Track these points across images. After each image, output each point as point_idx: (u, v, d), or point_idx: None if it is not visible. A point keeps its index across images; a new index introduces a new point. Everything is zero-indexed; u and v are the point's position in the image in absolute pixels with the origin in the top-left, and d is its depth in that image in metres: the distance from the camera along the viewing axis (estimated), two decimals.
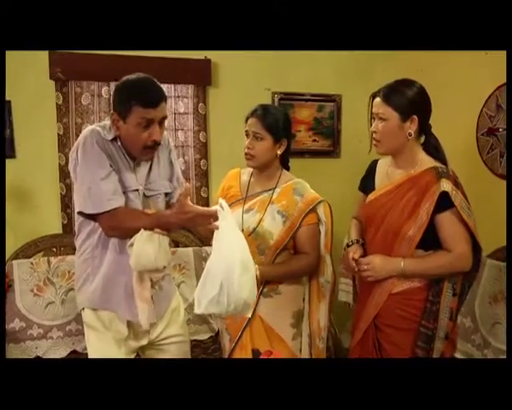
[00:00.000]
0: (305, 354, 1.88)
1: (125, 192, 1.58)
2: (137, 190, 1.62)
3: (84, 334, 2.34)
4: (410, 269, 1.65)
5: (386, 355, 1.71)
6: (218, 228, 1.45)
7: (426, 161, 1.67)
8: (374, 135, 1.70)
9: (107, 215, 1.52)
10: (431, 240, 1.64)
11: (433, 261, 1.65)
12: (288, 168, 1.96)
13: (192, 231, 2.79)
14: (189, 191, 1.49)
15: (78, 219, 1.64)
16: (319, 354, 1.91)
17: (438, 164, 1.66)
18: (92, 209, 1.53)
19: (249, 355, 1.75)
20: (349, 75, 3.13)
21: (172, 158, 1.79)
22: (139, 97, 1.50)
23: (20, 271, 2.36)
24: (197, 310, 1.45)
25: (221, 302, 1.41)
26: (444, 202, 1.59)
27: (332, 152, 3.21)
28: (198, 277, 2.05)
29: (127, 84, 1.55)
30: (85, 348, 2.37)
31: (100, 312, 1.64)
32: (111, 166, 1.55)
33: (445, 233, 1.62)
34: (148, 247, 1.47)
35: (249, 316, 1.71)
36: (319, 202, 1.85)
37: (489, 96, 2.38)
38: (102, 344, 1.63)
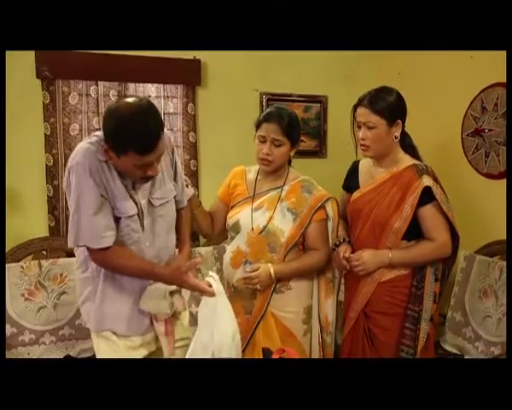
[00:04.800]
0: (315, 350, 1.92)
1: (120, 217, 1.51)
2: (133, 215, 1.53)
3: (77, 338, 2.37)
4: (398, 259, 1.79)
5: (376, 340, 1.84)
6: (214, 295, 1.47)
7: (405, 160, 1.82)
8: (362, 142, 1.80)
9: (98, 251, 1.47)
10: (413, 231, 1.78)
11: (418, 251, 1.79)
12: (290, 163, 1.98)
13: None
14: (194, 265, 1.53)
15: None
16: (327, 348, 1.94)
17: (416, 162, 1.80)
18: (82, 243, 1.48)
19: (260, 354, 1.76)
20: (334, 76, 3.17)
21: (175, 158, 1.69)
22: (136, 146, 1.37)
23: (10, 275, 2.28)
24: None
25: None
26: (426, 196, 1.74)
27: (318, 152, 3.26)
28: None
29: (122, 127, 1.37)
30: (79, 353, 2.38)
31: None
32: (103, 196, 1.45)
33: (428, 224, 1.77)
34: (161, 302, 1.56)
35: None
36: (328, 199, 1.89)
37: (474, 98, 2.46)
38: (114, 353, 1.59)
